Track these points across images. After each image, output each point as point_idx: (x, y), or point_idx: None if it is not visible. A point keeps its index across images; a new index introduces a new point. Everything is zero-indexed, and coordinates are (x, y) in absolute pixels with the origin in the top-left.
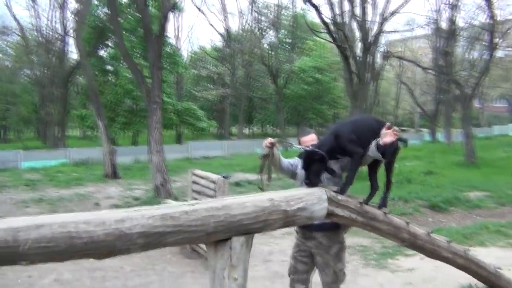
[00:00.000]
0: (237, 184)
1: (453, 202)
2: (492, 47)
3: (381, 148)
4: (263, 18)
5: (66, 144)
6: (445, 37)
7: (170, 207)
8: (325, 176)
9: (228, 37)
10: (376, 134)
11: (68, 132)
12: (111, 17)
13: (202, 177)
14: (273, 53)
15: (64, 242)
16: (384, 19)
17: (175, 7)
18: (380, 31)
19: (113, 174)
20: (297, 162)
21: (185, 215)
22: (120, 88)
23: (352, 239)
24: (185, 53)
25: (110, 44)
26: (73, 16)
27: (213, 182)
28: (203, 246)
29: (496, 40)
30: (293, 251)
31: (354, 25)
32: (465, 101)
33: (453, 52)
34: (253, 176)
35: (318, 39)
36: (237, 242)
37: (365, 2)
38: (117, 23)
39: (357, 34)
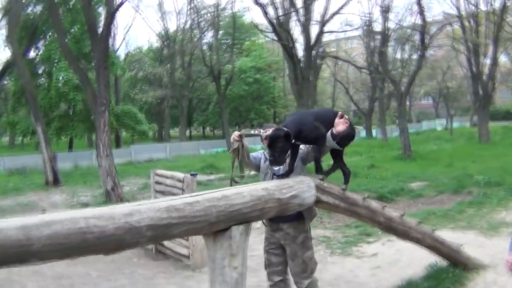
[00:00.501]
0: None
1: (398, 193)
2: (423, 47)
3: (335, 137)
4: (201, 19)
5: None
6: (380, 38)
7: (173, 199)
8: (300, 166)
9: (166, 37)
10: (333, 126)
11: None
12: (52, 14)
13: (166, 177)
14: (214, 54)
15: (76, 238)
16: (325, 21)
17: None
18: (321, 32)
19: (55, 181)
20: (260, 155)
21: (189, 206)
22: (54, 92)
23: (315, 231)
24: (121, 54)
25: (39, 45)
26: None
27: (180, 180)
28: (170, 246)
29: (426, 40)
30: (264, 245)
31: (293, 25)
32: (400, 99)
33: (386, 52)
34: (204, 177)
35: (256, 40)
36: (237, 231)
37: (307, 4)
38: (59, 20)
39: (297, 34)
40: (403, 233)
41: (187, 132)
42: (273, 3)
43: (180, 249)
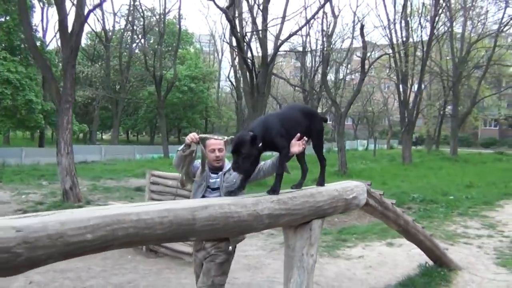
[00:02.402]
0: (138, 189)
1: None
2: (364, 71)
3: (288, 158)
4: (140, 23)
5: None
6: (323, 60)
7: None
8: (224, 184)
9: (105, 37)
10: (303, 127)
11: None
12: (19, 7)
13: (168, 178)
14: (155, 59)
15: (222, 221)
16: (283, 41)
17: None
18: (277, 50)
19: None
20: (197, 164)
21: (291, 200)
22: None
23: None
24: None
25: None
26: None
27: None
28: (170, 245)
29: (366, 66)
30: (194, 266)
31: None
32: (340, 119)
33: (326, 74)
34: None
35: (190, 48)
36: (316, 224)
37: (266, 23)
38: (26, 12)
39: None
40: (413, 235)
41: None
42: (240, 20)
43: (181, 247)
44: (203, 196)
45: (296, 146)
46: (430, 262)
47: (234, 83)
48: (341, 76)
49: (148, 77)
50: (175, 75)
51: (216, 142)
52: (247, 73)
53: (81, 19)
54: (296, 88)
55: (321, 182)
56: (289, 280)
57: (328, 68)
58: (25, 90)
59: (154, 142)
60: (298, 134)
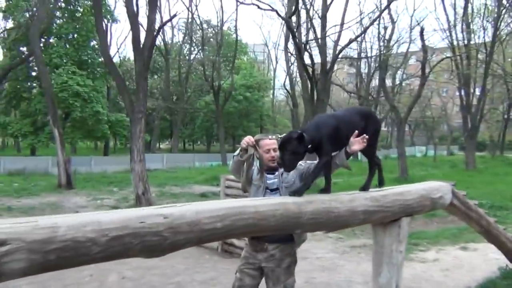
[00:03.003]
0: (203, 195)
1: None
2: (424, 76)
3: (348, 156)
4: (197, 35)
5: None
6: (382, 66)
7: (372, 192)
8: (283, 185)
9: (165, 49)
10: (361, 130)
11: None
12: (96, 19)
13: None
14: (212, 69)
15: (324, 215)
16: (341, 49)
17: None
18: (337, 57)
19: (68, 184)
20: (254, 168)
21: (383, 198)
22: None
23: (354, 240)
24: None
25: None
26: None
27: None
28: (237, 244)
29: (426, 71)
30: (240, 264)
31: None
32: (400, 124)
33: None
34: (212, 188)
35: (244, 58)
36: (405, 221)
37: (325, 32)
38: (102, 26)
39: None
40: (495, 236)
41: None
42: (299, 28)
43: None
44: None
45: (356, 144)
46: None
47: (289, 91)
48: (397, 81)
49: (205, 87)
50: (232, 85)
51: (271, 142)
52: (307, 81)
53: (152, 34)
54: (351, 94)
55: (365, 186)
56: (379, 275)
57: (386, 73)
58: (93, 102)
59: (210, 150)
60: (356, 132)
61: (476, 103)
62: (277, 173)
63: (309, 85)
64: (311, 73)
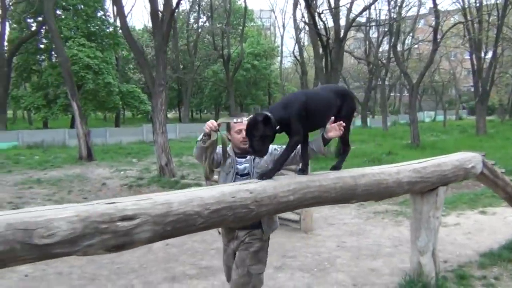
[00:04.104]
0: None
1: None
2: (436, 42)
3: (326, 142)
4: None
5: (6, 126)
6: (394, 32)
7: (412, 163)
8: (255, 170)
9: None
10: (335, 108)
11: None
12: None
13: None
14: (220, 38)
15: (375, 187)
16: (356, 16)
17: None
18: (350, 25)
19: (88, 156)
20: (220, 151)
21: (423, 169)
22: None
23: (377, 206)
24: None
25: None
26: None
27: None
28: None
29: (438, 36)
30: (223, 258)
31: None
32: (412, 90)
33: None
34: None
35: (251, 25)
36: (441, 190)
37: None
38: (121, 2)
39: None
40: None
41: (179, 115)
42: None
43: (289, 215)
44: None
45: (333, 130)
46: None
47: (298, 59)
48: (406, 46)
49: (213, 56)
50: (242, 54)
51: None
52: (320, 50)
53: (171, 7)
54: (360, 61)
55: (337, 166)
56: (417, 239)
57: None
58: (103, 74)
59: (219, 119)
60: (333, 118)
61: (487, 68)
62: (248, 157)
63: (323, 54)
64: (325, 41)
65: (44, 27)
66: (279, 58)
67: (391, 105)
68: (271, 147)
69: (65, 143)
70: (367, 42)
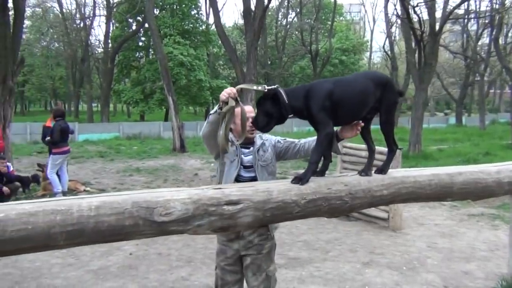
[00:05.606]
0: None
1: None
2: None
3: (338, 140)
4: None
5: (109, 119)
6: (496, 25)
7: (509, 163)
8: (260, 163)
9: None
10: (374, 99)
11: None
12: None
13: (361, 149)
14: (308, 35)
15: (473, 186)
16: (453, 8)
17: None
18: (447, 19)
19: (181, 147)
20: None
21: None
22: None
23: (469, 209)
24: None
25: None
26: None
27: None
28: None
29: None
30: (217, 260)
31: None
32: None
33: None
34: None
35: (341, 20)
36: None
37: None
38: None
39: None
40: None
41: None
42: None
43: (377, 213)
44: (239, 175)
45: (349, 131)
46: None
47: (389, 54)
48: (509, 39)
49: (300, 52)
50: (330, 49)
51: (250, 109)
52: (413, 44)
53: (263, 5)
54: (456, 55)
55: (383, 169)
56: None
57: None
58: (195, 70)
59: None
60: (360, 122)
61: None
62: (252, 148)
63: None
64: (419, 35)
65: (144, 26)
66: (368, 53)
67: (489, 103)
68: (275, 138)
69: (160, 135)
70: (465, 36)
